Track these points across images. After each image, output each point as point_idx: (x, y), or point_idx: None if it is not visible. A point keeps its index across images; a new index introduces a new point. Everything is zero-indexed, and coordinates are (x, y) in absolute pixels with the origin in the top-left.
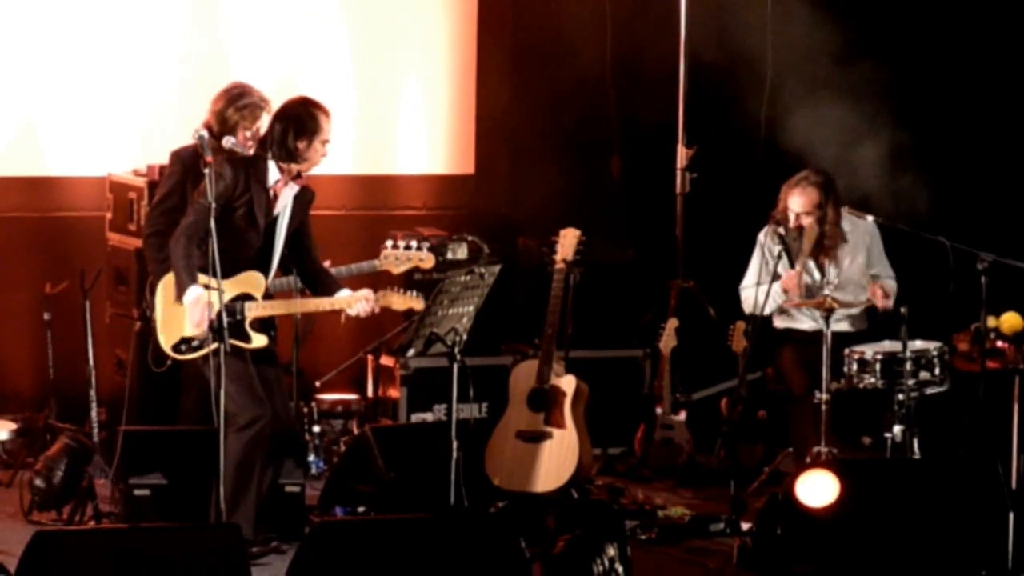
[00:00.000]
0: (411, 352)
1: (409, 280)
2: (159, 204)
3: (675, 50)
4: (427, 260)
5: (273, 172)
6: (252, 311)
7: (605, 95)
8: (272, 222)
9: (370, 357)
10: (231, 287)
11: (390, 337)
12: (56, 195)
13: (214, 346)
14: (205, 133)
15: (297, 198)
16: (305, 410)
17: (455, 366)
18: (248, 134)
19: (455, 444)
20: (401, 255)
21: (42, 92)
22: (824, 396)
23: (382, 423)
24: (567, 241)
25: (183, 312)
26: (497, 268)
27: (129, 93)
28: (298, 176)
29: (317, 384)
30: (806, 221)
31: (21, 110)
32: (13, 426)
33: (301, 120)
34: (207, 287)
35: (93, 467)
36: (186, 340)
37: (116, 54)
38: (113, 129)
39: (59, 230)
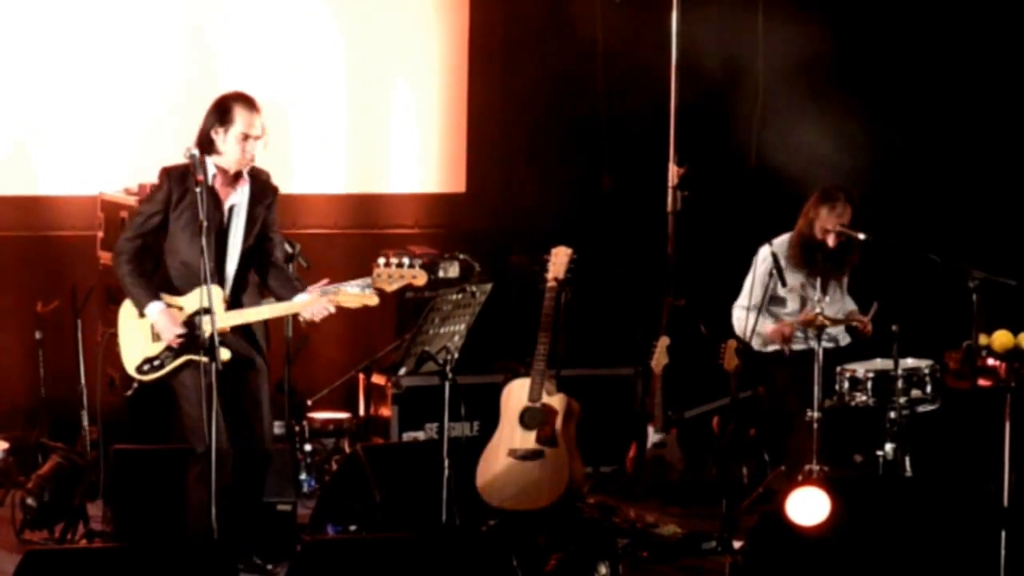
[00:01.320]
0: (403, 370)
1: (401, 299)
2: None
3: (666, 68)
4: (420, 277)
5: (211, 169)
6: (210, 324)
7: (596, 114)
8: (224, 228)
9: (362, 375)
10: (188, 304)
11: (382, 356)
12: (47, 214)
13: (177, 362)
14: (196, 152)
15: (252, 198)
16: (297, 428)
17: (447, 384)
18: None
19: (447, 462)
20: (394, 273)
21: (32, 111)
22: (815, 414)
23: (374, 441)
24: (558, 259)
25: (143, 332)
26: (488, 286)
27: (119, 112)
28: (259, 177)
29: (309, 402)
30: (837, 238)
31: (11, 129)
32: (4, 444)
33: (218, 110)
34: (170, 305)
35: (84, 486)
36: (148, 360)
37: (106, 73)
38: (104, 148)
39: (51, 249)
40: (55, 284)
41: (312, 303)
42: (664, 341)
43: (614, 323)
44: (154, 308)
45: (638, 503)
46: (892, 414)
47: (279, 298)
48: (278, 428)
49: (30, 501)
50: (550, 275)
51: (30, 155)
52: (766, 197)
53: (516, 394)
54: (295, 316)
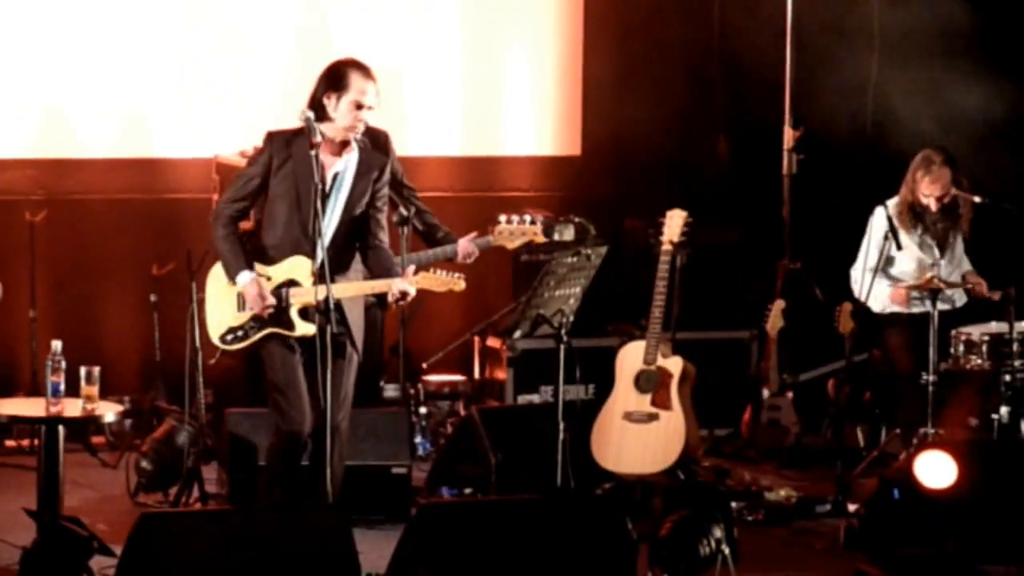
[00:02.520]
0: (518, 333)
1: (516, 261)
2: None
3: (782, 29)
4: (540, 234)
5: (316, 136)
6: (297, 298)
7: (712, 76)
8: (325, 197)
9: (477, 338)
10: (276, 274)
11: (497, 318)
12: (163, 177)
13: (261, 334)
14: (311, 114)
15: (359, 168)
16: (412, 392)
17: (562, 347)
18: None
19: (562, 425)
20: (515, 229)
21: (149, 74)
22: (931, 377)
23: (489, 404)
24: (674, 222)
25: (230, 300)
26: (604, 249)
27: (236, 75)
28: (370, 146)
29: (424, 366)
30: (944, 201)
31: (128, 92)
32: (120, 408)
33: (330, 76)
34: (260, 275)
35: (198, 449)
36: (232, 330)
37: (223, 36)
38: (219, 111)
39: (166, 211)
40: (171, 247)
41: (394, 284)
42: (779, 304)
43: (729, 286)
44: (244, 276)
45: (753, 466)
46: (1007, 377)
47: (372, 277)
48: (393, 391)
49: (145, 464)
50: (665, 238)
51: (146, 117)
52: (881, 158)
53: (631, 357)
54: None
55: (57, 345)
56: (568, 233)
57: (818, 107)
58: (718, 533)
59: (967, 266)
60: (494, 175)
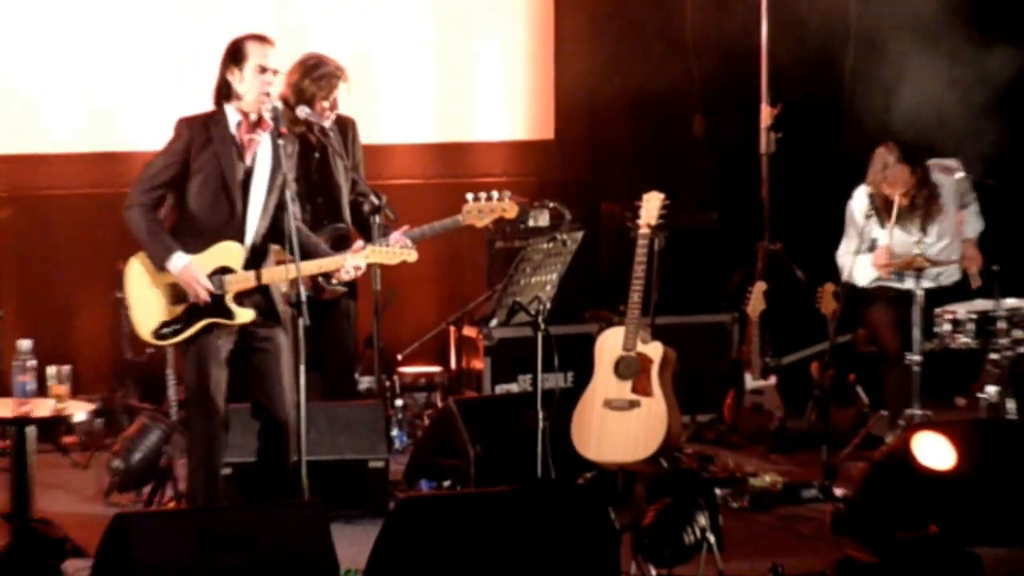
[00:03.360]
0: (494, 322)
1: (491, 248)
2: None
3: (757, 5)
4: (511, 209)
5: (232, 117)
6: (233, 284)
7: (686, 54)
8: (246, 179)
9: (452, 328)
10: (207, 261)
11: (472, 307)
12: (131, 170)
13: (198, 325)
14: (280, 105)
15: (280, 148)
16: (387, 384)
17: (539, 335)
18: (325, 104)
19: (541, 415)
20: (483, 207)
21: (117, 65)
22: (916, 357)
23: (466, 395)
24: (651, 205)
25: (158, 293)
26: (580, 235)
27: (205, 65)
28: (281, 123)
29: (399, 357)
30: (908, 197)
31: (96, 85)
32: (90, 407)
33: (229, 53)
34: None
35: (172, 447)
36: (166, 323)
37: (191, 25)
38: (188, 102)
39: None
40: (132, 243)
41: (341, 260)
42: (760, 286)
43: (709, 269)
44: (179, 260)
45: (737, 452)
46: (994, 356)
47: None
48: (368, 383)
49: (117, 464)
50: (642, 222)
51: (113, 109)
52: (860, 135)
53: (610, 343)
54: (381, 267)
55: (26, 344)
56: (543, 218)
57: (794, 82)
58: (703, 521)
59: (971, 234)
60: (466, 161)
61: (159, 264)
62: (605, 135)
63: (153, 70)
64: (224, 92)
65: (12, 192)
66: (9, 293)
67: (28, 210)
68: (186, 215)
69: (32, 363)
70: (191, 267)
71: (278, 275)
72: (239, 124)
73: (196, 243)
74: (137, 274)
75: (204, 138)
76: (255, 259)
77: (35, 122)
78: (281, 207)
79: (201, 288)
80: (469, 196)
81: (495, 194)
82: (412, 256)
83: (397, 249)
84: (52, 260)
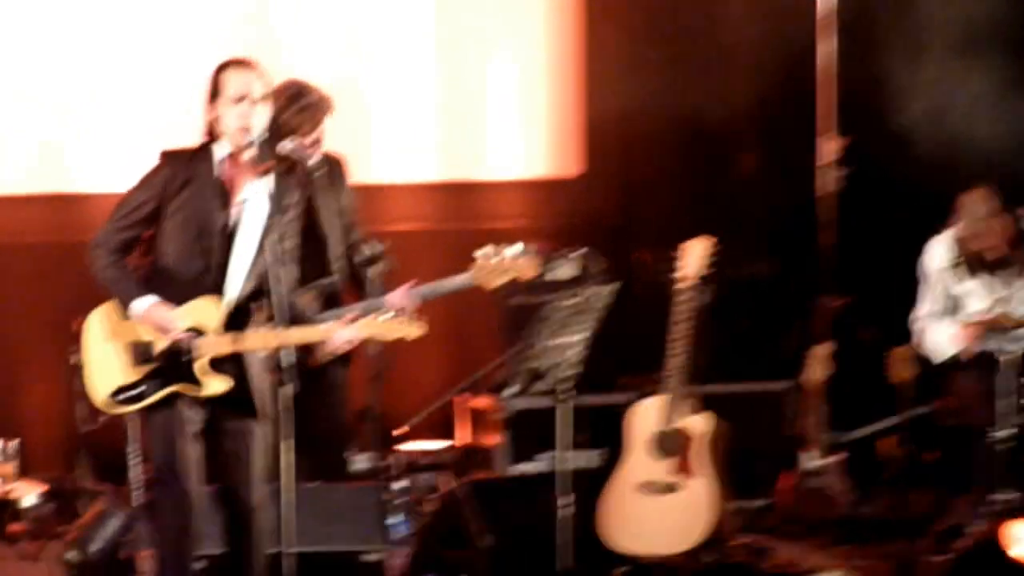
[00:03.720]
0: (511, 391)
1: (506, 305)
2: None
3: (812, 22)
4: (530, 267)
5: (218, 154)
6: (203, 348)
7: (738, 77)
8: (231, 228)
9: (462, 398)
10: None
11: (485, 373)
12: (84, 215)
13: (162, 393)
14: (292, 144)
15: (278, 191)
16: (385, 463)
17: (562, 406)
18: (308, 140)
19: (564, 499)
20: (496, 266)
21: (68, 96)
22: (1004, 433)
23: (478, 476)
24: (693, 253)
25: (118, 352)
26: (611, 288)
27: (171, 97)
28: (284, 161)
29: (399, 432)
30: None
31: (45, 117)
32: (42, 488)
33: (208, 86)
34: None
35: (136, 536)
36: (124, 388)
37: (157, 52)
38: (150, 138)
39: (85, 256)
40: (94, 297)
41: (332, 330)
42: (821, 350)
43: (761, 329)
44: (143, 301)
45: (795, 543)
46: None
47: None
48: (363, 463)
49: (71, 556)
50: (683, 273)
51: (63, 144)
52: (936, 172)
53: (646, 416)
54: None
55: None
56: (567, 269)
57: (864, 110)
58: None
59: None
60: (478, 202)
61: (124, 304)
62: (642, 171)
63: (114, 99)
64: (210, 130)
65: None
66: None
67: None
68: (159, 263)
69: None
70: (156, 307)
71: (258, 342)
72: (222, 162)
73: (168, 297)
74: (95, 330)
75: (185, 175)
76: (235, 322)
77: None
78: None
79: (168, 330)
80: (479, 253)
81: (509, 250)
82: (414, 332)
83: (397, 322)
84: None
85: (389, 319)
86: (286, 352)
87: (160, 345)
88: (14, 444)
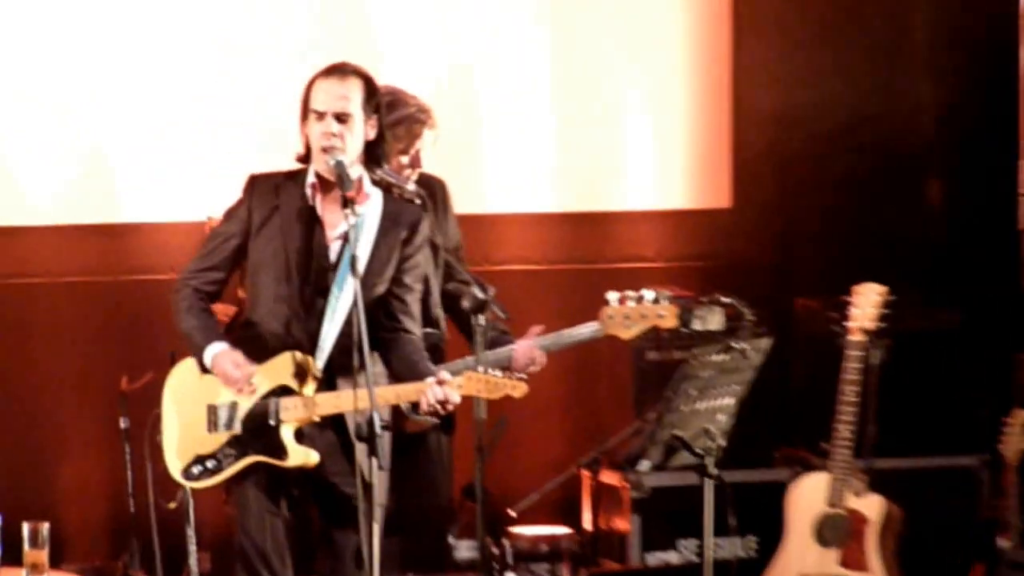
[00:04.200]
0: (645, 465)
1: (640, 360)
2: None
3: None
4: (669, 316)
5: (310, 178)
6: (291, 411)
7: (915, 90)
8: (324, 266)
9: (586, 473)
10: (262, 378)
11: (614, 444)
12: (135, 249)
13: (240, 464)
14: (345, 158)
15: (384, 224)
16: (495, 550)
17: (709, 483)
18: (404, 159)
19: None
20: (632, 311)
21: (117, 113)
22: None
23: (606, 567)
24: (865, 301)
25: (198, 415)
26: (766, 342)
27: (232, 117)
28: (386, 187)
29: (512, 513)
30: None
31: (90, 137)
32: None
33: (302, 97)
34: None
35: None
36: (201, 458)
37: (224, 59)
38: (214, 158)
39: (140, 298)
40: (147, 348)
41: (423, 387)
42: (1021, 416)
43: (948, 391)
44: (215, 347)
45: None
46: None
47: (398, 377)
48: (468, 550)
49: None
50: (854, 324)
51: (111, 168)
52: None
53: (809, 496)
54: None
55: None
56: (714, 319)
57: None
58: None
59: None
60: (606, 238)
61: (196, 355)
62: (801, 202)
63: (171, 114)
64: (304, 150)
65: None
66: None
67: None
68: (248, 314)
69: None
70: (227, 354)
71: (349, 403)
72: (312, 186)
73: (254, 351)
74: (175, 388)
75: (271, 204)
76: (330, 379)
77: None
78: (372, 308)
79: (238, 380)
80: (612, 296)
81: (648, 294)
82: (520, 390)
83: (501, 378)
84: (24, 374)
85: (497, 375)
86: (378, 415)
87: (243, 407)
88: (44, 528)
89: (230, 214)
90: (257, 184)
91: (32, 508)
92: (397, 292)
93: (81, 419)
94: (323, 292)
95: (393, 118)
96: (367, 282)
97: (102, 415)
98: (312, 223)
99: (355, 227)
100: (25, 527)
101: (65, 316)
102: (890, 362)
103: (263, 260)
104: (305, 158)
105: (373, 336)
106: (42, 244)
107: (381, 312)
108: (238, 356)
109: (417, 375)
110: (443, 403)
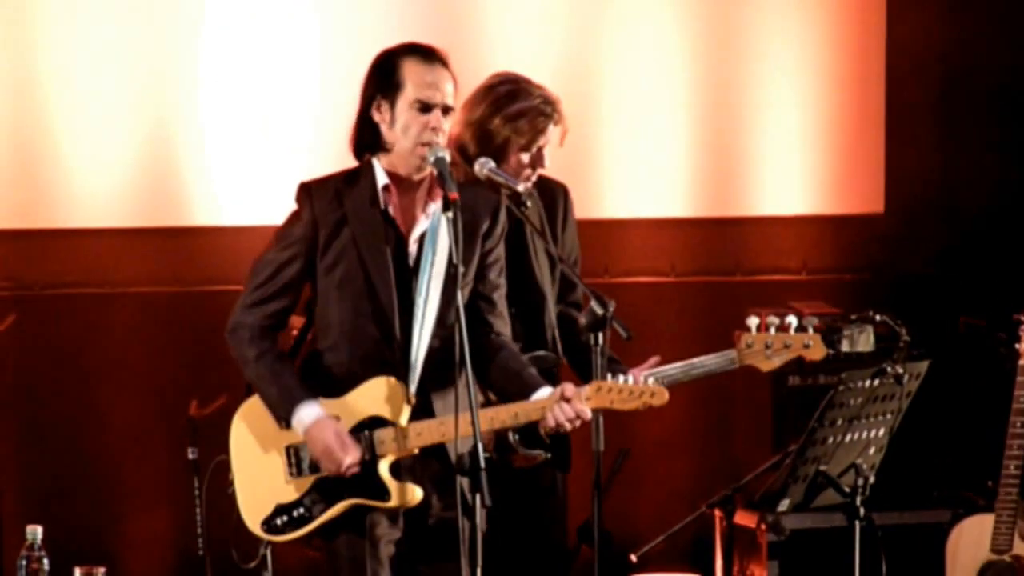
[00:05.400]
0: (785, 504)
1: (780, 386)
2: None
3: None
4: (815, 347)
5: (380, 178)
6: (388, 444)
7: None
8: (404, 271)
9: (718, 513)
10: (349, 409)
11: (750, 480)
12: (206, 257)
13: (332, 511)
14: (447, 154)
15: (449, 223)
16: None
17: (857, 525)
18: (524, 157)
19: None
20: (775, 340)
21: (184, 104)
22: None
23: None
24: None
25: (273, 462)
26: (923, 366)
27: (321, 104)
28: (456, 184)
29: (633, 558)
30: None
31: (153, 129)
32: None
33: (375, 74)
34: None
35: None
36: (284, 508)
37: (305, 49)
38: (290, 156)
39: (211, 312)
40: (220, 370)
41: (549, 402)
42: None
43: None
44: (308, 413)
45: None
46: None
47: (503, 397)
48: None
49: None
50: None
51: (179, 166)
52: None
53: (972, 541)
54: (608, 414)
55: (35, 532)
56: (864, 340)
57: None
58: None
59: None
60: (741, 247)
61: (280, 417)
62: (965, 209)
63: (246, 107)
64: (366, 138)
65: (15, 288)
66: (8, 453)
67: (39, 316)
68: (319, 337)
69: (45, 562)
70: (326, 423)
71: (443, 432)
72: (387, 188)
73: (334, 381)
74: (244, 434)
75: (337, 216)
76: (425, 402)
77: (50, 182)
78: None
79: (345, 455)
80: (751, 322)
81: (792, 320)
82: (661, 398)
83: (635, 386)
84: (77, 396)
85: (624, 385)
86: (481, 446)
87: (330, 465)
88: (101, 572)
89: (285, 234)
90: (314, 193)
91: (85, 551)
92: (483, 291)
93: (143, 447)
94: (409, 305)
95: (514, 110)
96: (450, 284)
97: (167, 444)
98: (389, 229)
99: (453, 228)
100: (77, 573)
101: (123, 331)
102: None
103: (337, 278)
104: (362, 149)
105: (470, 345)
106: (95, 249)
107: (469, 317)
108: (341, 428)
109: (524, 386)
110: (572, 420)
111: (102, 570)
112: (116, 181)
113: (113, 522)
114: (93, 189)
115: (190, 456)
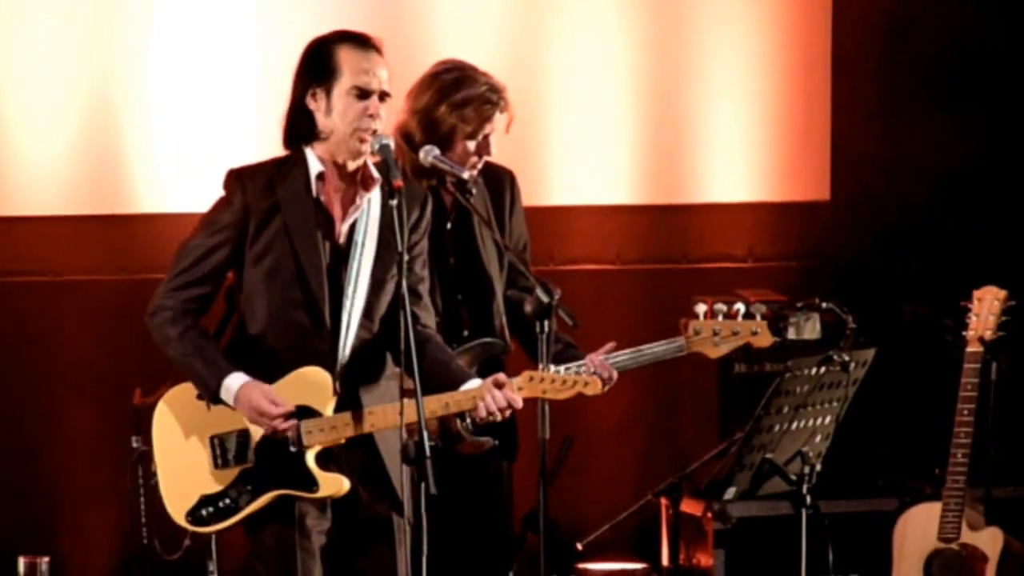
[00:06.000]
0: (731, 492)
1: (726, 374)
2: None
3: None
4: (763, 334)
5: (313, 166)
6: (316, 435)
7: None
8: (336, 260)
9: (664, 501)
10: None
11: (696, 469)
12: (150, 244)
13: (260, 501)
14: (391, 142)
15: (385, 208)
16: None
17: (804, 513)
18: (470, 145)
19: None
20: (722, 326)
21: (130, 92)
22: None
23: None
24: (984, 307)
25: (198, 452)
26: (870, 353)
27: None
28: (388, 175)
29: (579, 546)
30: None
31: (98, 117)
32: None
33: (308, 62)
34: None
35: None
36: (209, 499)
37: (248, 38)
38: (238, 140)
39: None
40: (163, 360)
41: (480, 392)
42: None
43: None
44: (234, 380)
45: None
46: None
47: (432, 388)
48: None
49: None
50: (971, 333)
51: (124, 153)
52: None
53: (918, 529)
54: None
55: None
56: (811, 328)
57: None
58: None
59: None
60: (687, 235)
61: (208, 391)
62: (909, 196)
63: (189, 94)
64: (299, 126)
65: None
66: None
67: None
68: (245, 330)
69: None
70: (253, 385)
71: (386, 419)
72: (321, 176)
73: (260, 369)
74: (167, 424)
75: (268, 203)
76: (351, 393)
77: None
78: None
79: (276, 410)
80: (699, 309)
81: (740, 307)
82: (594, 387)
83: (569, 375)
84: (22, 385)
85: (557, 375)
86: (427, 434)
87: (255, 436)
88: (45, 562)
89: (214, 220)
90: (246, 181)
91: (28, 540)
92: (409, 283)
93: (88, 436)
94: (336, 298)
95: (460, 97)
96: (378, 277)
97: (111, 433)
98: (321, 217)
99: (398, 215)
100: (21, 562)
101: (68, 318)
102: (1013, 377)
103: (267, 266)
104: (295, 138)
105: (389, 340)
106: (43, 237)
107: (394, 309)
108: (268, 388)
109: (453, 377)
110: (503, 410)
111: (46, 560)
112: (59, 168)
113: (58, 512)
114: (36, 176)
115: (134, 445)
